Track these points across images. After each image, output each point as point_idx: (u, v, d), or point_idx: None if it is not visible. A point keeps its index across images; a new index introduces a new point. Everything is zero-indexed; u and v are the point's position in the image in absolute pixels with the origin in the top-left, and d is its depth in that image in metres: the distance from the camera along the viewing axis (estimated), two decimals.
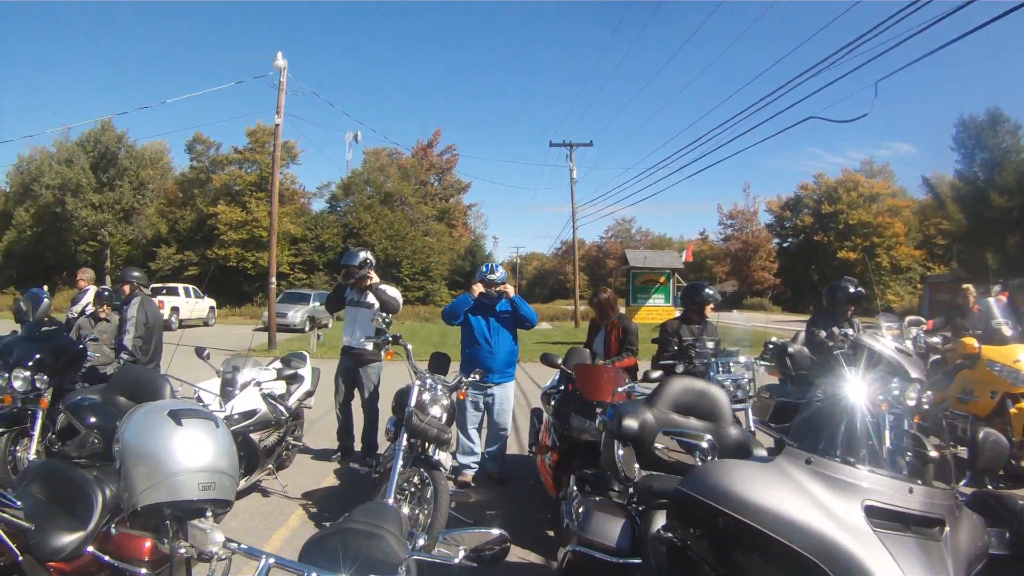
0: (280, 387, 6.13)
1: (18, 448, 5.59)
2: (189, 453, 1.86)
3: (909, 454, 2.58)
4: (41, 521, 2.62)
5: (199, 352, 5.90)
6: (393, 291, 6.79)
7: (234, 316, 36.74)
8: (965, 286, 9.87)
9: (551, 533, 4.95)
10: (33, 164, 43.11)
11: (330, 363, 7.90)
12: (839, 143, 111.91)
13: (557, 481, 4.83)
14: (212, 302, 31.64)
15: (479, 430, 6.31)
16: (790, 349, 6.39)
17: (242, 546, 1.80)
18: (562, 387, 5.56)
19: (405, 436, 4.58)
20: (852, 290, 6.54)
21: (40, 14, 76.46)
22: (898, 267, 53.87)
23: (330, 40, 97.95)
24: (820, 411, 2.49)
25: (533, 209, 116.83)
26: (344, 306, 6.88)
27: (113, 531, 2.74)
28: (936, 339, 7.97)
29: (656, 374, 5.36)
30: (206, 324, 29.71)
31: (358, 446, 6.93)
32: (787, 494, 1.86)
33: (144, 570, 2.68)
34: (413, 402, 4.72)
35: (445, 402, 5.02)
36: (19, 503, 2.42)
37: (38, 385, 5.50)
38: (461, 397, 5.61)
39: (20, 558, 2.43)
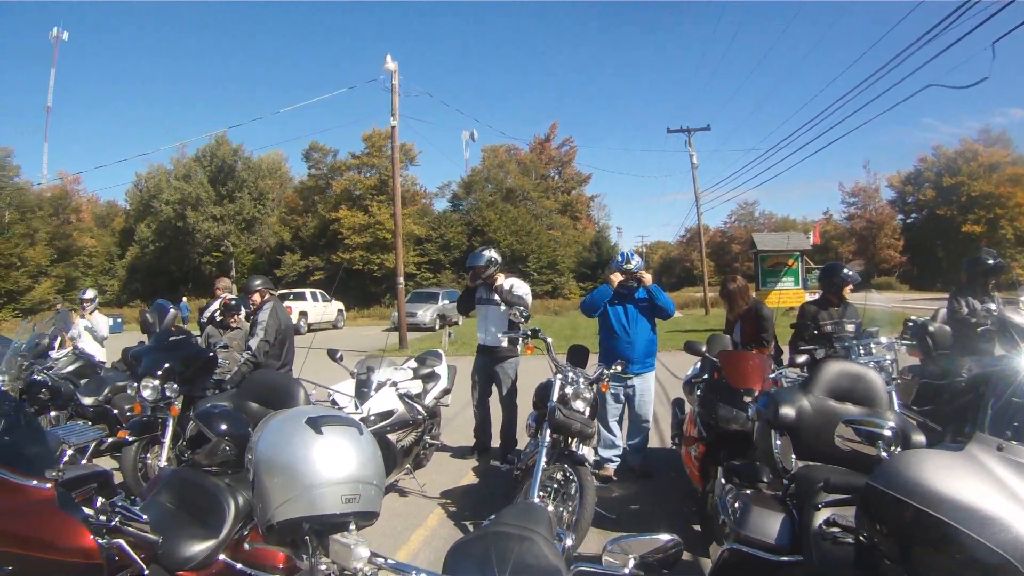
0: (417, 386, 6.18)
1: (149, 456, 5.71)
2: (331, 463, 1.76)
3: None
4: (170, 530, 2.56)
5: (332, 354, 5.93)
6: (522, 287, 6.73)
7: (362, 318, 37.96)
8: None
9: (697, 528, 4.80)
10: (151, 181, 45.93)
11: (462, 360, 8.01)
12: (954, 112, 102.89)
13: (704, 473, 4.68)
14: (340, 305, 32.53)
15: (619, 422, 6.19)
16: (931, 328, 5.96)
17: (389, 561, 1.70)
18: (706, 376, 5.37)
19: (548, 432, 4.52)
20: (991, 262, 6.15)
21: (146, 37, 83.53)
22: (1023, 239, 50.19)
23: (439, 39, 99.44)
24: (997, 391, 2.27)
25: (655, 197, 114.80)
26: (475, 306, 6.91)
27: (247, 546, 2.67)
28: None
29: (801, 359, 5.17)
30: (335, 327, 30.55)
31: (495, 443, 6.91)
32: (978, 484, 1.70)
33: None
34: (556, 396, 4.67)
35: (588, 395, 4.91)
36: (144, 516, 2.33)
37: (168, 393, 5.59)
38: (604, 390, 5.51)
39: (146, 571, 2.37)
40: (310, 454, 1.75)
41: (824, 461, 3.12)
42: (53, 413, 6.66)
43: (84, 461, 4.77)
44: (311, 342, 6.86)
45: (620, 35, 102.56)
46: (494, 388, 6.84)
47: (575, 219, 55.69)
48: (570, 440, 4.63)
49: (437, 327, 25.12)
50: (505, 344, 6.56)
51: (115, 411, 6.66)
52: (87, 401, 6.77)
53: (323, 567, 1.76)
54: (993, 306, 5.75)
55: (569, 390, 4.83)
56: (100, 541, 2.22)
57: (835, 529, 2.36)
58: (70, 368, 7.65)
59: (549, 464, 4.49)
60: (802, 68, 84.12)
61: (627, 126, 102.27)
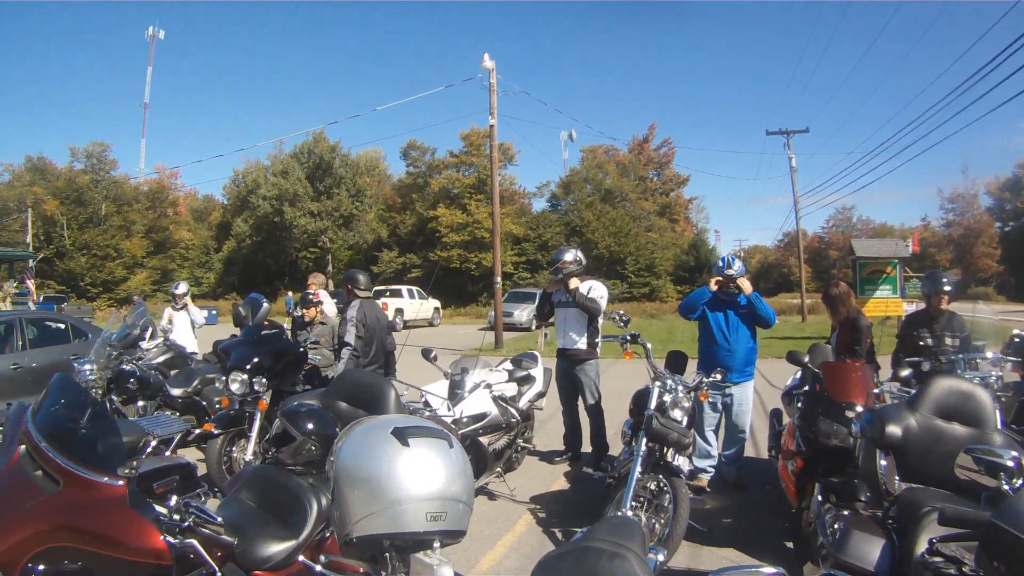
0: (511, 388, 6.17)
1: (235, 449, 5.69)
2: (417, 478, 1.68)
3: None
4: (249, 529, 2.55)
5: (425, 354, 5.84)
6: (599, 289, 6.51)
7: (459, 316, 38.19)
8: None
9: (790, 544, 4.68)
10: (249, 177, 47.44)
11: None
12: None
13: (800, 489, 4.52)
14: (437, 303, 32.72)
15: (715, 432, 6.09)
16: None
17: None
18: (807, 387, 5.19)
19: (644, 440, 4.47)
20: None
21: (243, 36, 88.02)
22: None
23: (536, 39, 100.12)
24: None
25: (754, 201, 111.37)
26: (554, 311, 6.79)
27: (323, 559, 2.49)
28: None
29: (905, 372, 4.98)
30: (431, 324, 30.80)
31: (586, 448, 6.82)
32: None
33: None
34: (653, 404, 4.61)
35: (686, 404, 4.83)
36: (219, 518, 2.27)
37: (256, 388, 5.56)
38: (703, 399, 5.42)
39: (218, 572, 2.34)
40: (395, 468, 1.69)
41: (928, 483, 3.05)
42: (141, 403, 6.90)
43: (169, 452, 4.85)
44: (406, 339, 6.99)
45: (719, 36, 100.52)
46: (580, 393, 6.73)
47: (673, 221, 54.67)
48: (666, 450, 4.56)
49: (533, 327, 25.02)
50: (583, 347, 6.50)
51: (203, 403, 6.89)
52: (176, 392, 7.02)
53: None
54: None
55: (667, 398, 4.76)
56: (172, 541, 2.19)
57: (938, 559, 2.28)
58: (160, 359, 8.01)
59: (644, 474, 4.46)
60: (901, 68, 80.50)
61: (726, 128, 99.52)
